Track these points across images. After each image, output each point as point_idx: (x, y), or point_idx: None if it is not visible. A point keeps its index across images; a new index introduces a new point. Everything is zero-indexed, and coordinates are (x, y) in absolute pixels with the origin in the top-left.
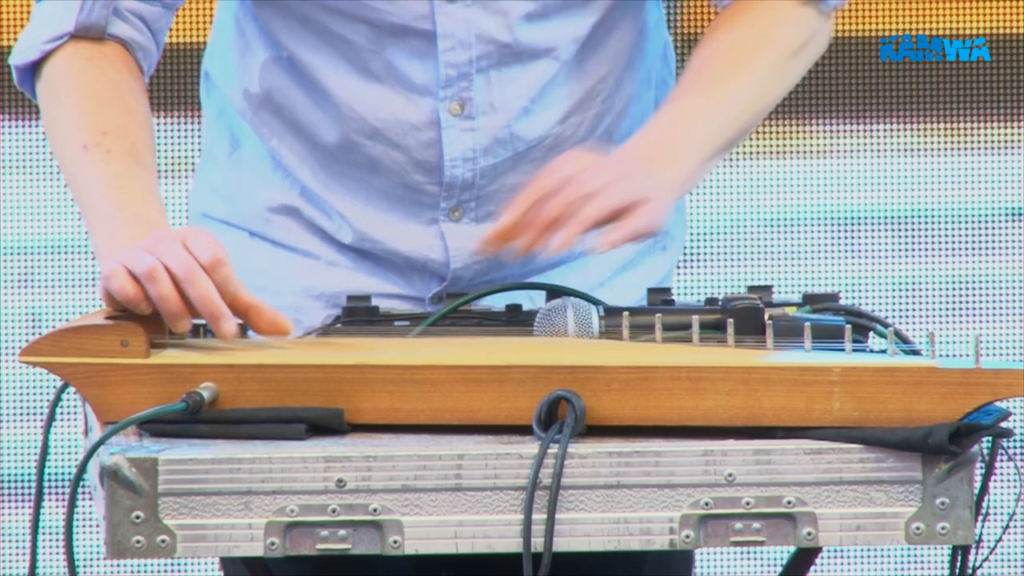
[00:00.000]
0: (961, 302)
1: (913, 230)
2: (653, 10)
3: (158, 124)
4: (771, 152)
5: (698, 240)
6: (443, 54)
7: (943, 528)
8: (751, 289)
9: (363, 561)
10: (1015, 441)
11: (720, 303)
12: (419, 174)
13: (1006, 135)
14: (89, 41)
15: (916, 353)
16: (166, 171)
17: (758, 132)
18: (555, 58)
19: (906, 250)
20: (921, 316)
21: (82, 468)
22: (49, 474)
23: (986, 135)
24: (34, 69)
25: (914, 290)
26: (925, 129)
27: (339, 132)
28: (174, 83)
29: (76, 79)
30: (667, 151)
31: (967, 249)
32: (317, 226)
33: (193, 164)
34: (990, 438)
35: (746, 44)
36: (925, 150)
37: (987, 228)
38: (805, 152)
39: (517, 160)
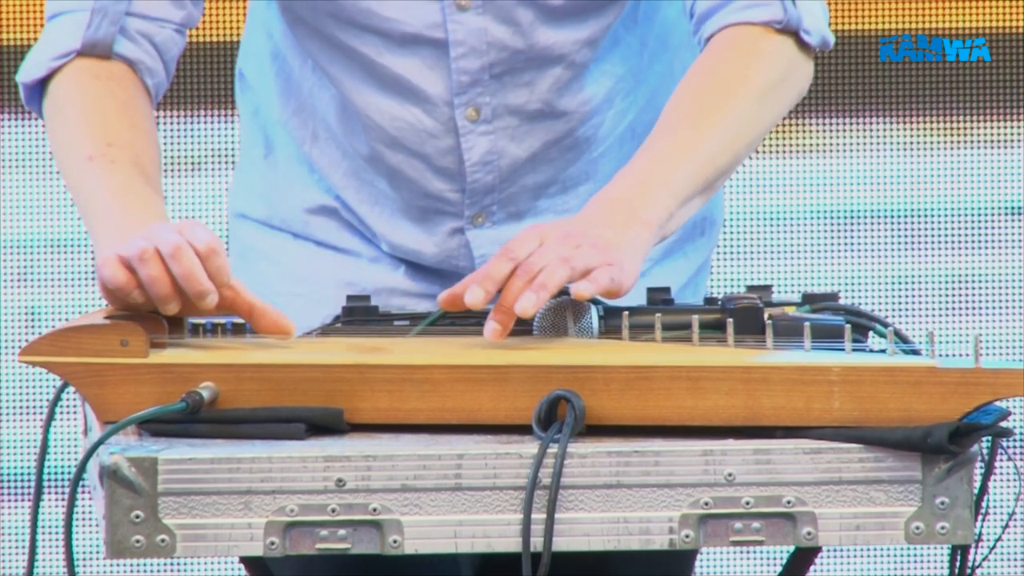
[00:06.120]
0: (960, 299)
1: (912, 227)
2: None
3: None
4: (770, 150)
5: None
6: (455, 61)
7: (943, 528)
8: (750, 288)
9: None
10: (1015, 441)
11: (720, 303)
12: (440, 181)
13: (1005, 132)
14: (95, 59)
15: (916, 353)
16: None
17: None
18: (570, 63)
19: (905, 247)
20: (920, 313)
21: (82, 467)
22: (49, 472)
23: (985, 132)
24: (41, 87)
25: (913, 287)
26: (924, 126)
27: (366, 142)
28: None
29: (82, 94)
30: (636, 201)
31: (966, 246)
32: (356, 228)
33: (233, 161)
34: (990, 438)
35: (721, 82)
36: (924, 147)
37: (986, 225)
38: (805, 150)
39: (536, 161)
